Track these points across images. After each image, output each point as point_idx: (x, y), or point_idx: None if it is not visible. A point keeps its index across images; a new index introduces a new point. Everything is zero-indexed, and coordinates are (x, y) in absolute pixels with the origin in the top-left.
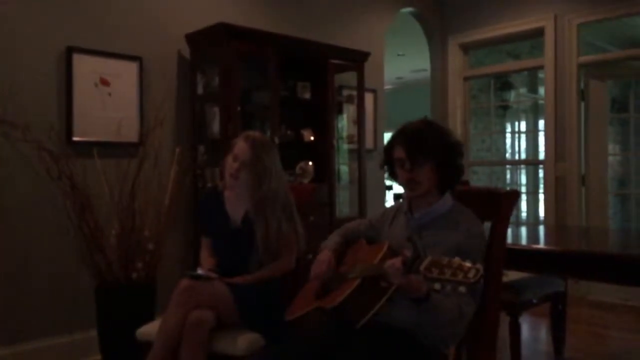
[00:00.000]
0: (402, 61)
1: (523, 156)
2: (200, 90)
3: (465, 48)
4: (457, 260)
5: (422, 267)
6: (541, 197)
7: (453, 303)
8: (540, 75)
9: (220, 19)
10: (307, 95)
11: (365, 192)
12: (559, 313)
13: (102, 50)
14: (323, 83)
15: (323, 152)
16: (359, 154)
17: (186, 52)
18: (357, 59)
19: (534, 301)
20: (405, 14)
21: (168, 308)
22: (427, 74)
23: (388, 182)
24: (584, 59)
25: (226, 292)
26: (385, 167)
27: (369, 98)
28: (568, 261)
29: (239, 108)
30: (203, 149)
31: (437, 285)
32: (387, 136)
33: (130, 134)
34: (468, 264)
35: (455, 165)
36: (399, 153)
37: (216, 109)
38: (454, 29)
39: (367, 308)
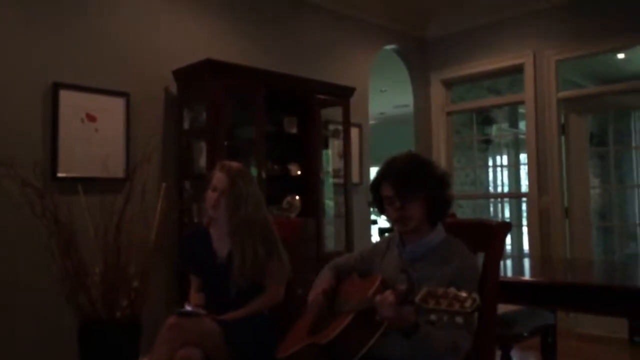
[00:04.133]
0: (385, 97)
1: (506, 189)
2: (187, 125)
3: (448, 84)
4: (452, 290)
5: (417, 299)
6: (525, 229)
7: (446, 335)
8: (521, 110)
9: (208, 55)
10: (294, 130)
11: (352, 226)
12: (550, 346)
13: (89, 86)
14: (309, 118)
15: (310, 187)
16: (345, 188)
17: (173, 87)
18: (343, 94)
19: (525, 334)
20: (387, 51)
21: (155, 346)
22: (409, 109)
23: (373, 217)
24: (563, 94)
25: (215, 329)
26: (375, 204)
27: (354, 133)
28: (556, 292)
29: (225, 143)
30: (189, 184)
31: (433, 317)
32: (372, 170)
33: (116, 169)
34: (464, 294)
35: (443, 197)
36: (387, 191)
37: (203, 144)
38: (436, 66)
39: (362, 343)
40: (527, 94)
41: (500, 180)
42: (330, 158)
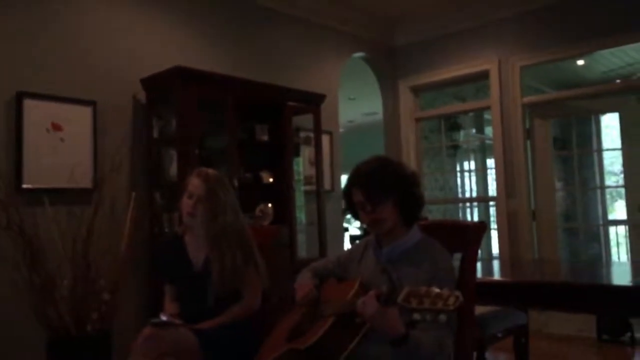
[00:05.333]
0: (354, 105)
1: (474, 194)
2: (156, 134)
3: (416, 90)
4: (434, 289)
5: (400, 299)
6: (493, 233)
7: (432, 337)
8: (486, 116)
9: (176, 62)
10: (265, 137)
11: (325, 233)
12: (522, 346)
13: (55, 95)
14: (281, 125)
15: (282, 194)
16: (317, 196)
17: (141, 95)
18: (313, 102)
19: (499, 335)
20: (355, 59)
21: (130, 357)
22: (378, 117)
23: (344, 224)
24: (528, 99)
25: (191, 339)
26: (349, 211)
27: (325, 140)
28: (530, 291)
29: (196, 151)
30: (159, 194)
31: (416, 316)
32: (344, 178)
33: (84, 180)
34: (447, 292)
35: (414, 196)
36: (358, 197)
37: (173, 153)
38: (404, 73)
39: (343, 346)
40: (493, 99)
41: (468, 185)
42: (302, 165)
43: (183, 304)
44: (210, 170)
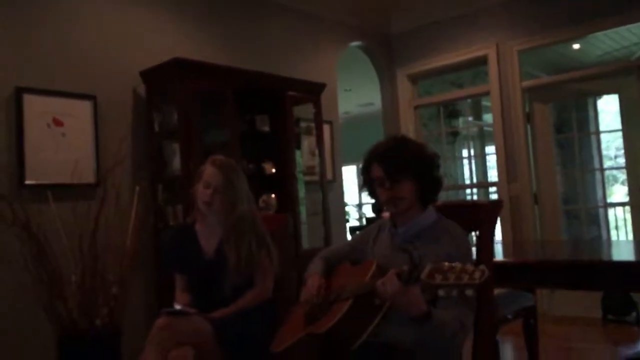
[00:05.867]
0: (350, 96)
1: (474, 180)
2: (157, 127)
3: (414, 78)
4: (458, 264)
5: (423, 276)
6: None
7: (454, 316)
8: (484, 103)
9: (175, 55)
10: (266, 128)
11: (330, 223)
12: (532, 328)
13: (54, 89)
14: (281, 115)
15: (285, 184)
16: (321, 185)
17: (141, 89)
18: (313, 91)
19: (509, 317)
20: (351, 49)
21: (145, 348)
22: (374, 107)
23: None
24: (527, 83)
25: (206, 327)
26: (365, 188)
27: (325, 130)
28: (532, 270)
29: (199, 144)
30: (162, 187)
31: (441, 292)
32: (345, 169)
33: (87, 175)
34: (471, 267)
35: (433, 177)
36: (377, 172)
37: (176, 146)
38: (401, 61)
39: (362, 328)
40: (492, 84)
41: (467, 171)
42: (302, 156)
43: (195, 293)
44: (224, 158)
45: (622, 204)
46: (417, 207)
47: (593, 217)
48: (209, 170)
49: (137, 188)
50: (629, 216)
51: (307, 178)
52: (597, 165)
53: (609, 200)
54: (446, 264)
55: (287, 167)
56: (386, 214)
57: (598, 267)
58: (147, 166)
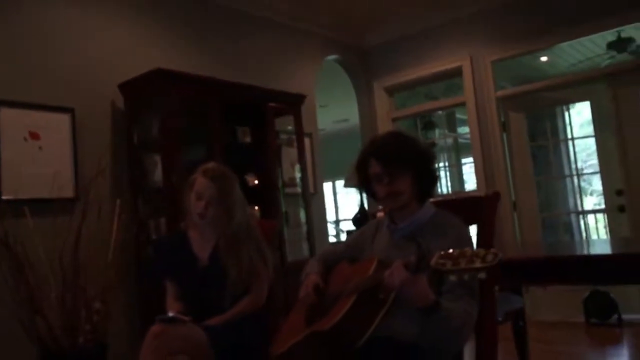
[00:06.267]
0: (325, 113)
1: (450, 190)
2: (136, 139)
3: (390, 91)
4: (469, 249)
5: (432, 262)
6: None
7: (461, 307)
8: (458, 115)
9: (153, 66)
10: (248, 140)
11: (313, 234)
12: (521, 330)
13: (30, 102)
14: (263, 127)
15: (268, 196)
16: (304, 197)
17: (120, 101)
18: (293, 102)
19: (499, 319)
20: (326, 64)
21: (140, 356)
22: (349, 124)
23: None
24: (501, 93)
25: (200, 335)
26: (361, 186)
27: (305, 143)
28: (519, 269)
29: (181, 156)
30: (142, 200)
31: (452, 277)
32: (326, 185)
33: (65, 189)
34: (483, 250)
35: (430, 171)
36: (375, 168)
37: (157, 158)
38: (378, 73)
39: (367, 324)
40: (468, 94)
41: (444, 182)
42: (283, 168)
43: (189, 301)
44: (216, 167)
45: (595, 211)
46: (415, 202)
47: (569, 223)
48: (200, 181)
49: (118, 201)
50: (600, 225)
51: (288, 190)
52: (573, 171)
53: (583, 207)
54: (455, 250)
55: (270, 179)
56: (381, 214)
57: (583, 261)
58: (128, 179)
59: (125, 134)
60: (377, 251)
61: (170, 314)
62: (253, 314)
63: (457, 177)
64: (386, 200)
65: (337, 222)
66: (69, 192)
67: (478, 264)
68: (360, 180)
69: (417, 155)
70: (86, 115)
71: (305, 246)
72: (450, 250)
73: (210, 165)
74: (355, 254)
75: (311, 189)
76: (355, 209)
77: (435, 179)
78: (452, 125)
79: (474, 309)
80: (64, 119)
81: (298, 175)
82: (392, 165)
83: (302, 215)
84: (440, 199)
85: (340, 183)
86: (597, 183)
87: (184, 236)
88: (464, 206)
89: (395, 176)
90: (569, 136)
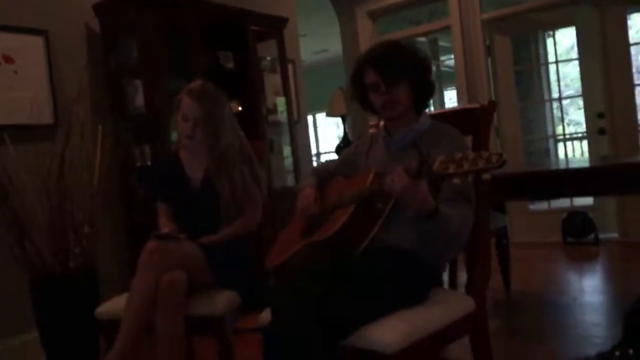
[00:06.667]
0: (303, 43)
1: None
2: (115, 64)
3: (374, 16)
4: (471, 152)
5: (435, 166)
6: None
7: (458, 213)
8: (441, 43)
9: None
10: (231, 65)
11: (299, 161)
12: (504, 248)
13: (2, 24)
14: (245, 52)
15: (253, 123)
16: (289, 124)
17: (94, 23)
18: (276, 26)
19: None
20: None
21: (137, 273)
22: (327, 55)
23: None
24: (486, 15)
25: (197, 251)
26: (356, 97)
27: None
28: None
29: (164, 81)
30: (125, 126)
31: (456, 180)
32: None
33: (44, 115)
34: (486, 152)
35: (427, 81)
36: (371, 77)
37: (138, 82)
38: None
39: (365, 233)
40: (453, 17)
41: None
42: (267, 95)
43: (180, 222)
44: (202, 85)
45: (574, 139)
46: (412, 113)
47: (548, 150)
48: (186, 102)
49: (100, 127)
50: (578, 153)
51: (271, 118)
52: (550, 96)
53: (565, 133)
54: (459, 153)
55: (254, 106)
56: (373, 130)
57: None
58: (108, 105)
59: (102, 58)
60: (373, 164)
61: (166, 231)
62: (248, 234)
63: (439, 106)
64: (383, 109)
65: (317, 155)
66: (48, 118)
67: (482, 165)
68: (356, 92)
69: (415, 64)
70: (60, 37)
71: (290, 174)
72: (455, 154)
73: (197, 84)
74: (349, 170)
75: (295, 117)
76: (335, 142)
77: (432, 89)
78: (434, 53)
79: (471, 215)
80: (37, 42)
81: (281, 103)
82: (389, 73)
83: (287, 143)
84: (433, 112)
85: (320, 116)
86: (574, 113)
87: (176, 158)
88: (459, 117)
89: (392, 84)
90: (546, 61)
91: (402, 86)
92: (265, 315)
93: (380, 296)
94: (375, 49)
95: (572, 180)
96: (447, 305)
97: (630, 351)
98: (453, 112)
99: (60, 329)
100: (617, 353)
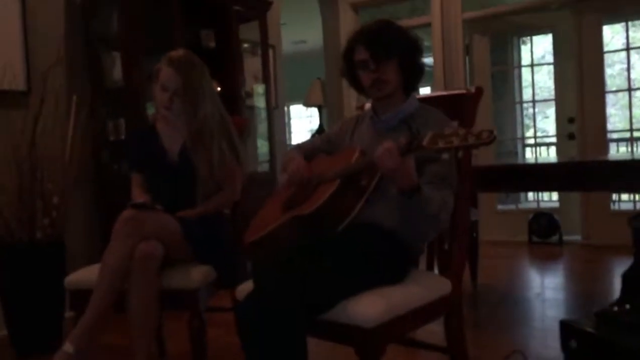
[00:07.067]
0: (283, 31)
1: None
2: (94, 34)
3: (356, 8)
4: (462, 129)
5: (425, 142)
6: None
7: (439, 195)
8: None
9: None
10: (212, 44)
11: (275, 147)
12: (473, 241)
13: None
14: (227, 32)
15: (232, 105)
16: (268, 108)
17: None
18: (259, 8)
19: None
20: None
21: (111, 241)
22: (305, 46)
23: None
24: (468, 14)
25: (173, 223)
26: (346, 74)
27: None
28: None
29: (143, 55)
30: (100, 100)
31: (445, 155)
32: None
33: (17, 81)
34: (477, 129)
35: (417, 62)
36: (361, 55)
37: (116, 54)
38: None
39: (349, 209)
40: (435, 15)
41: None
42: (245, 79)
43: (157, 195)
44: (182, 54)
45: (547, 144)
46: (400, 94)
47: (514, 154)
48: (164, 71)
49: (75, 97)
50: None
51: (248, 102)
52: (521, 99)
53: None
54: (449, 129)
55: (233, 88)
56: (358, 112)
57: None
58: (85, 77)
59: (80, 26)
60: (360, 143)
61: (141, 201)
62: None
63: None
64: (371, 89)
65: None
66: (21, 85)
67: (472, 141)
68: (345, 70)
69: (406, 45)
70: (37, 3)
71: (265, 163)
72: (445, 129)
73: (177, 53)
74: (333, 148)
75: (273, 104)
76: (307, 135)
77: (422, 71)
78: None
79: (451, 199)
80: (13, 6)
81: (259, 87)
82: (379, 52)
83: (262, 129)
84: (420, 96)
85: (295, 108)
86: (541, 122)
87: (153, 129)
88: (446, 102)
89: (381, 63)
90: (519, 64)
91: (392, 66)
92: (240, 292)
93: (361, 272)
94: (368, 26)
95: (539, 175)
96: (426, 285)
97: (627, 306)
98: (440, 96)
99: (23, 299)
100: (615, 309)
